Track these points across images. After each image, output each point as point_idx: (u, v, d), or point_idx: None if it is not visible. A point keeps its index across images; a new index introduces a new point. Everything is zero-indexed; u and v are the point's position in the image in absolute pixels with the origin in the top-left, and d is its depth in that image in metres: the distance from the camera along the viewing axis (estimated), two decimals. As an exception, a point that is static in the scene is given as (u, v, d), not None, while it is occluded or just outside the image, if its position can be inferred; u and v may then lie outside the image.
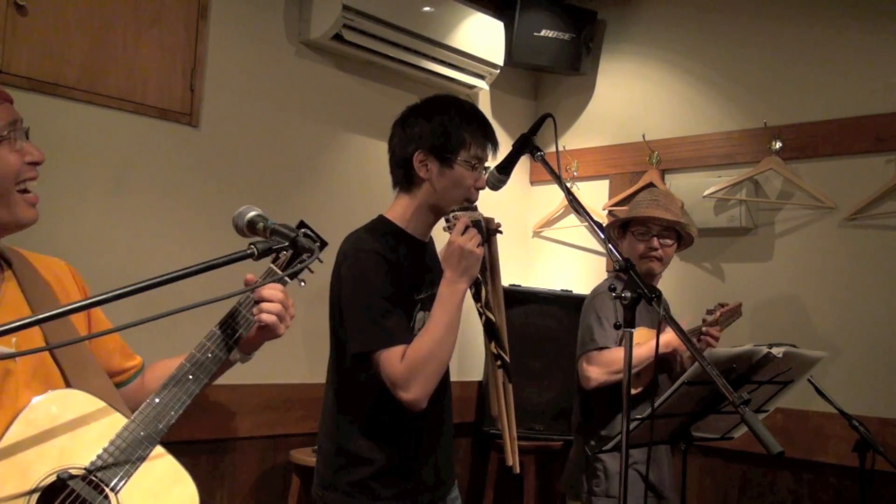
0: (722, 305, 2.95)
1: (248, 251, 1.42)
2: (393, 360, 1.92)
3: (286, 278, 1.57)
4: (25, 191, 1.40)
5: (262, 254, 1.43)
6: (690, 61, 4.01)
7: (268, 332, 1.54)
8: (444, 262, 2.00)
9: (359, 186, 3.67)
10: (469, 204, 2.10)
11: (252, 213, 1.53)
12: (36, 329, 1.38)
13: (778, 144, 3.59)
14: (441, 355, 1.96)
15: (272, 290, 1.53)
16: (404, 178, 2.12)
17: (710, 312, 2.91)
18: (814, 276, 3.55)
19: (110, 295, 1.31)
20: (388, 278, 1.99)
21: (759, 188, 3.71)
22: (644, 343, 2.68)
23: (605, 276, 3.80)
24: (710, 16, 3.96)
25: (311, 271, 1.63)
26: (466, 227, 1.99)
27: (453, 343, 1.99)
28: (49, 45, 2.74)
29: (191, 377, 1.44)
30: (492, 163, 2.13)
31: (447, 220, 2.06)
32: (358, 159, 3.70)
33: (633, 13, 4.24)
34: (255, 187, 3.30)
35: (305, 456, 3.24)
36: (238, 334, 1.51)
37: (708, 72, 3.94)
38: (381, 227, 2.11)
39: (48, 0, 2.74)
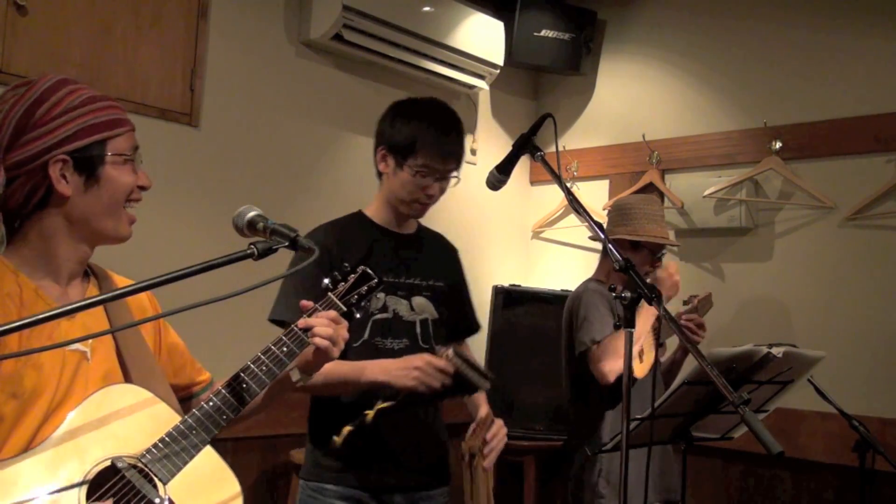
0: (694, 297, 2.98)
1: (249, 251, 1.42)
2: None
3: (342, 306, 1.66)
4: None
5: (262, 254, 1.43)
6: (690, 61, 4.01)
7: (322, 356, 1.63)
8: (390, 362, 2.06)
9: (358, 186, 3.67)
10: (419, 207, 2.22)
11: (252, 213, 1.53)
12: (109, 338, 1.50)
13: (778, 144, 3.60)
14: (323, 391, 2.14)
15: (320, 321, 1.60)
16: (376, 168, 2.28)
17: (685, 303, 2.94)
18: (814, 276, 3.55)
19: (111, 295, 1.32)
20: (312, 266, 2.03)
21: (759, 188, 3.71)
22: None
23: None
24: (711, 16, 3.96)
25: (367, 304, 1.71)
26: (442, 369, 2.01)
27: (336, 393, 2.16)
28: (49, 45, 2.74)
29: (244, 386, 1.51)
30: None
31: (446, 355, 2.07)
32: (358, 159, 3.70)
33: (633, 13, 4.24)
34: (255, 187, 3.30)
35: (305, 456, 3.24)
36: (293, 352, 1.57)
37: (708, 72, 3.94)
38: (348, 220, 2.30)
39: (48, 0, 2.74)
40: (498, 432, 2.15)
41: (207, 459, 1.46)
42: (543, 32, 4.12)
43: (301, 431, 3.34)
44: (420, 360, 2.03)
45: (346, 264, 1.71)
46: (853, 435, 2.59)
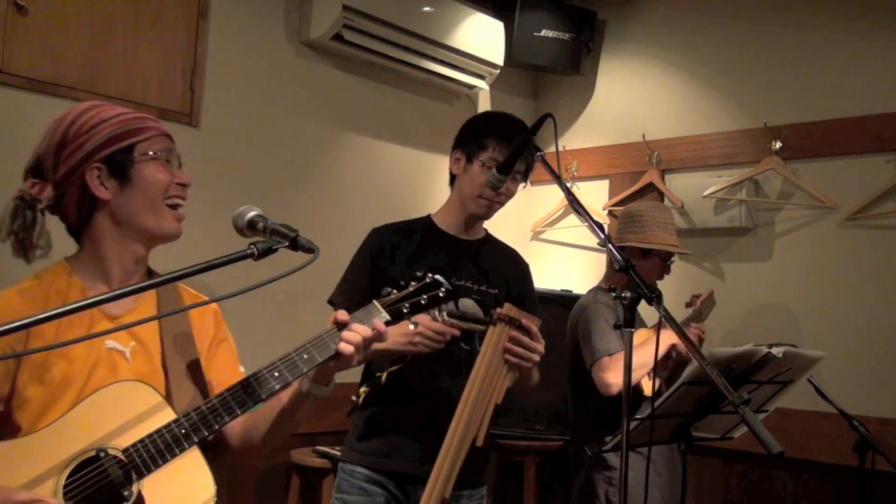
0: (696, 297, 2.98)
1: (248, 251, 1.43)
2: None
3: (385, 314, 1.62)
4: (174, 206, 1.62)
5: (262, 254, 1.44)
6: (690, 61, 4.01)
7: (343, 362, 1.58)
8: (398, 329, 2.03)
9: (359, 186, 3.67)
10: (486, 204, 2.29)
11: (252, 213, 1.53)
12: (156, 338, 1.60)
13: (778, 144, 3.60)
14: None
15: (352, 335, 1.56)
16: (450, 175, 2.40)
17: (689, 306, 2.93)
18: (814, 276, 3.55)
19: (111, 295, 1.31)
20: (366, 258, 2.28)
21: (759, 188, 3.71)
22: (647, 341, 2.70)
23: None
24: (711, 16, 3.96)
25: (430, 313, 1.70)
26: (442, 331, 2.05)
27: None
28: (49, 45, 2.74)
29: (249, 390, 1.52)
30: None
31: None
32: (358, 159, 3.70)
33: (633, 13, 4.24)
34: (256, 187, 3.30)
35: (305, 456, 3.24)
36: (313, 359, 1.54)
37: (708, 72, 3.94)
38: (413, 222, 2.38)
39: (48, 0, 2.74)
40: (528, 345, 2.06)
41: (190, 460, 1.48)
42: (543, 32, 4.12)
43: (301, 432, 3.37)
44: (420, 327, 2.09)
45: (419, 273, 1.70)
46: (853, 435, 2.59)
